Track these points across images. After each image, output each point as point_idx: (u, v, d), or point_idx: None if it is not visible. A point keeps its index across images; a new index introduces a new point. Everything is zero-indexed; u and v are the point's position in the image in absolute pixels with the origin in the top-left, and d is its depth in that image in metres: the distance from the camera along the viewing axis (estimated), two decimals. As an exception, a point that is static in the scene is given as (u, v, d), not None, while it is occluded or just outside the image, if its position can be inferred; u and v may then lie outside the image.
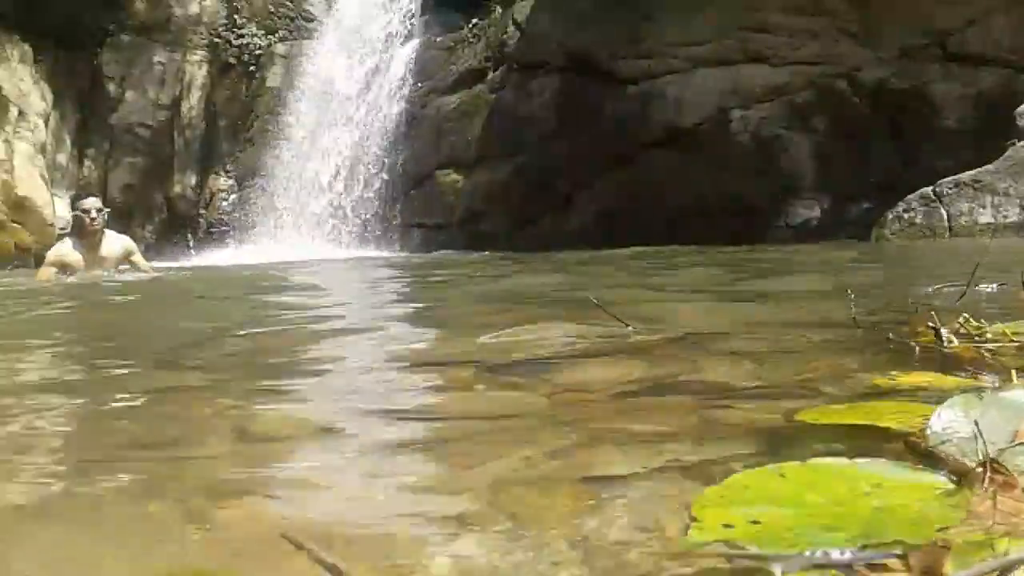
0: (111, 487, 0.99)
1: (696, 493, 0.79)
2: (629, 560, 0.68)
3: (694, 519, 0.67)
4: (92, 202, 6.34)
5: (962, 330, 1.72)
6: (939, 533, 0.66)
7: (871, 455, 0.81)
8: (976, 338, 1.66)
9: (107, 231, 6.32)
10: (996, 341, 1.61)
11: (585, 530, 0.75)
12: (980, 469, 0.73)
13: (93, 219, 6.14)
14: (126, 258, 6.40)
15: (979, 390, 0.88)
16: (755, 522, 0.65)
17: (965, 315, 1.78)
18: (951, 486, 0.72)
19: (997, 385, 1.19)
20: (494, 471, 0.94)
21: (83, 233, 6.18)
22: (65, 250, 6.23)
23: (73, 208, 6.41)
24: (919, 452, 0.78)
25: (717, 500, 0.69)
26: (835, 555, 0.61)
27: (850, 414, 1.04)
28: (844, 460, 0.76)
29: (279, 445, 1.18)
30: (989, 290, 2.59)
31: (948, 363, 1.47)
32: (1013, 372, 1.23)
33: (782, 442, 0.99)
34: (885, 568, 0.62)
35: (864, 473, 0.74)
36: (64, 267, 6.11)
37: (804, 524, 0.65)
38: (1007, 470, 0.74)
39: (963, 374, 1.37)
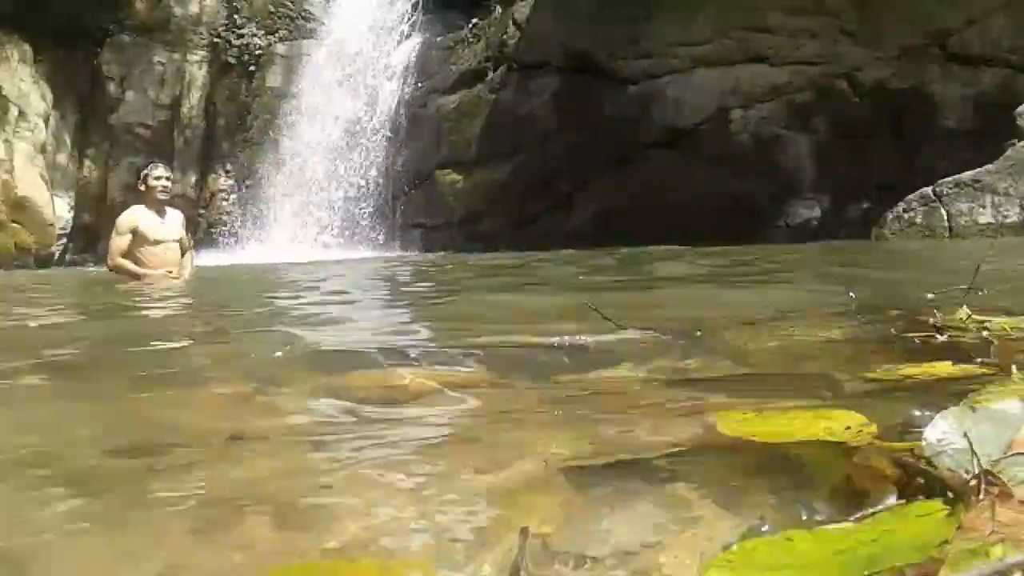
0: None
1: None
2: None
3: None
4: (163, 170, 6.16)
5: (964, 324, 1.72)
6: (939, 548, 0.66)
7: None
8: (978, 331, 1.66)
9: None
10: (998, 336, 1.61)
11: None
12: (975, 482, 0.73)
13: (164, 187, 6.05)
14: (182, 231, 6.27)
15: (972, 402, 0.88)
16: None
17: (967, 310, 1.79)
18: (948, 507, 0.72)
19: (995, 382, 1.19)
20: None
21: (151, 202, 6.05)
22: (140, 213, 6.04)
23: (142, 177, 6.12)
24: (910, 471, 0.79)
25: (725, 564, 0.70)
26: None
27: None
28: (849, 524, 0.77)
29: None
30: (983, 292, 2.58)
31: (949, 356, 1.47)
32: (1013, 367, 1.23)
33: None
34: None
35: (867, 525, 0.75)
36: (136, 234, 5.94)
37: None
38: (1002, 481, 0.75)
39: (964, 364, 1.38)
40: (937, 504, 0.72)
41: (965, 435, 0.79)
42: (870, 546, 0.68)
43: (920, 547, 0.65)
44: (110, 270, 6.17)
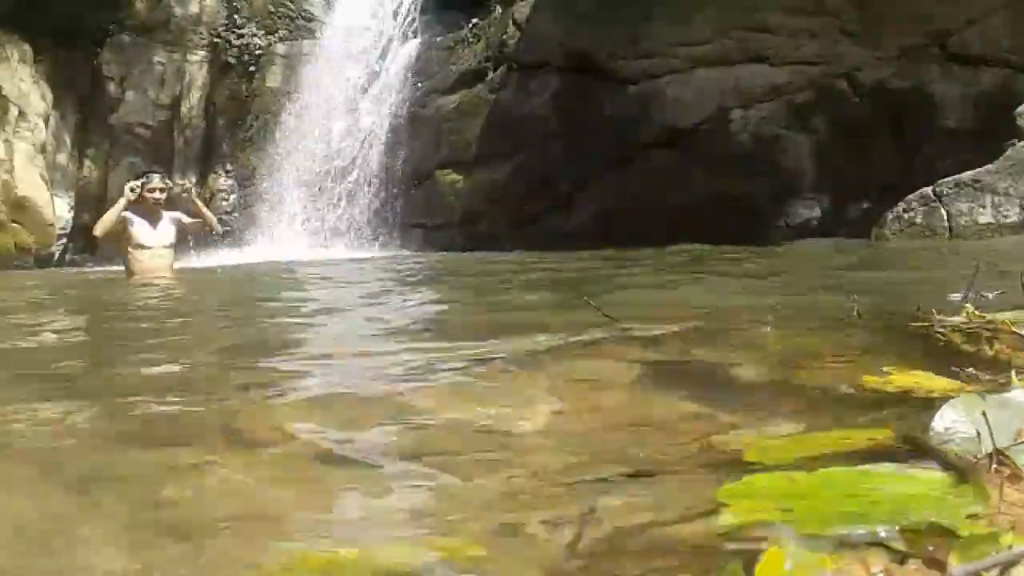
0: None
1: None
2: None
3: (723, 504, 0.67)
4: (158, 181, 6.20)
5: (965, 325, 1.72)
6: (968, 520, 0.66)
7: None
8: (977, 332, 1.66)
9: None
10: (996, 338, 1.61)
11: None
12: (986, 461, 0.73)
13: (157, 200, 6.10)
14: (179, 227, 6.30)
15: (981, 391, 0.88)
16: (786, 509, 0.66)
17: (968, 307, 1.78)
18: (958, 479, 0.72)
19: (1001, 382, 1.19)
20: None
21: (145, 210, 6.10)
22: (134, 218, 6.10)
23: (138, 182, 6.19)
24: (919, 444, 0.79)
25: (739, 492, 0.70)
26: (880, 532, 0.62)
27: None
28: (850, 468, 0.77)
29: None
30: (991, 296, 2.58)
31: (949, 360, 1.47)
32: (1013, 372, 1.23)
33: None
34: (888, 550, 0.63)
35: (872, 474, 0.75)
36: (124, 224, 6.01)
37: (832, 512, 0.66)
38: (1013, 462, 0.75)
39: (961, 373, 1.37)
40: (947, 475, 0.72)
41: (983, 414, 0.79)
42: (879, 494, 0.68)
43: (945, 507, 0.65)
44: (95, 237, 6.23)
